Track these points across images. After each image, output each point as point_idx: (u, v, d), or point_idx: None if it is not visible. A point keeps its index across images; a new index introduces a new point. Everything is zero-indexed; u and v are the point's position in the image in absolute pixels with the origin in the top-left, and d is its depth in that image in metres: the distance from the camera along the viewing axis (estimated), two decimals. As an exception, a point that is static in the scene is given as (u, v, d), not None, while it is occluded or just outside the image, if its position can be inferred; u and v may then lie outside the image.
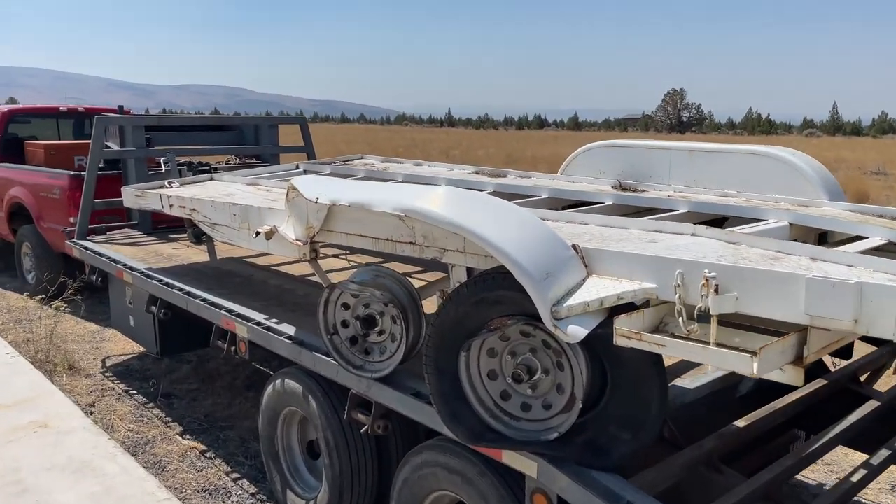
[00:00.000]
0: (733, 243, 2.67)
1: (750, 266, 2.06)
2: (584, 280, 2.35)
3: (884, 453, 3.10)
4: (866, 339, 3.67)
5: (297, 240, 3.31)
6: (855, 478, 2.91)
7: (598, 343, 2.26)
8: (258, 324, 3.88)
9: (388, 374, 3.03)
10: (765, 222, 3.31)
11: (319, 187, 3.02)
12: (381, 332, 3.08)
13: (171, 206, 4.54)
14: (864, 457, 3.14)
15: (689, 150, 4.32)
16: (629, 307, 2.27)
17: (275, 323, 3.87)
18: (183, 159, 6.92)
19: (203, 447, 4.84)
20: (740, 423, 2.88)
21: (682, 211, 3.65)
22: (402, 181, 4.93)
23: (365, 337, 3.12)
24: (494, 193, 4.31)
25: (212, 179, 5.26)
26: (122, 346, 6.67)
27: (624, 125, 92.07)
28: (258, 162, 7.35)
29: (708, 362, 2.02)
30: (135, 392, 5.74)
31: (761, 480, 2.51)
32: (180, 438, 4.96)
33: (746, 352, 1.93)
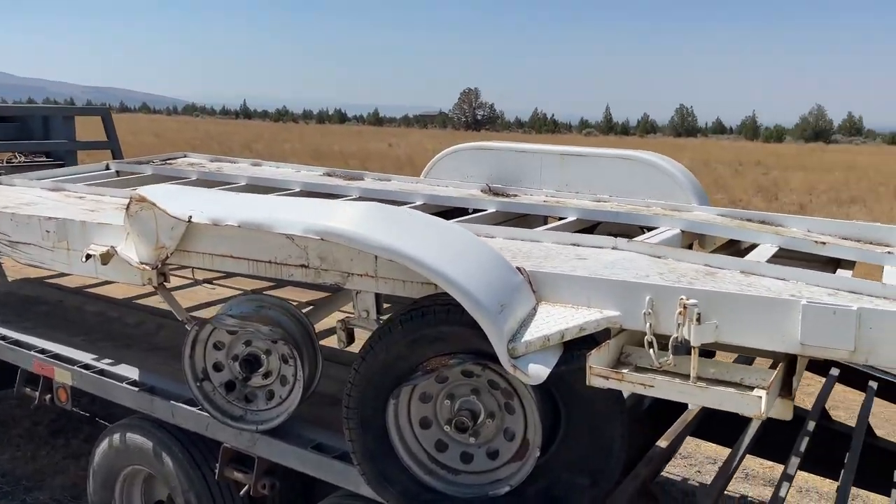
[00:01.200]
0: (659, 257, 2.53)
1: (733, 292, 1.89)
2: (534, 309, 2.05)
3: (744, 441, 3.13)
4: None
5: (142, 263, 2.65)
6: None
7: (553, 380, 1.98)
8: (87, 367, 3.11)
9: (279, 425, 2.52)
10: (659, 231, 3.25)
11: (188, 201, 2.41)
12: (267, 375, 2.55)
13: (-55, 220, 3.52)
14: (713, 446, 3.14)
15: (561, 154, 4.22)
16: (586, 339, 2.01)
17: (109, 364, 3.12)
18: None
19: (3, 518, 3.87)
20: (662, 442, 2.77)
21: (571, 218, 3.51)
22: (247, 184, 4.33)
23: (246, 381, 2.57)
24: (361, 199, 3.90)
25: (-2, 183, 4.23)
26: None
27: (423, 121, 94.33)
28: (50, 160, 6.16)
29: (705, 403, 1.82)
30: None
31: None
32: (-32, 511, 3.93)
33: (747, 388, 1.75)
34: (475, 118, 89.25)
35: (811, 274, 2.26)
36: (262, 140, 37.70)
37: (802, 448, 2.82)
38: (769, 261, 2.75)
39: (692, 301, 1.82)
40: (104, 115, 6.48)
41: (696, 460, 4.67)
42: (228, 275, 4.52)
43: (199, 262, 2.61)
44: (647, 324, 1.92)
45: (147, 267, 2.64)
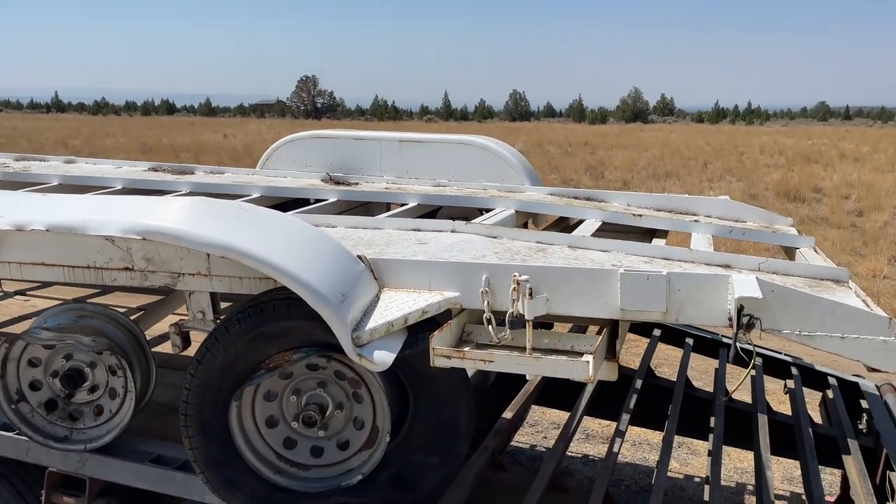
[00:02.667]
0: (494, 237, 2.63)
1: (559, 265, 2.00)
2: (377, 296, 2.06)
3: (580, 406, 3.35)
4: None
5: (-66, 278, 2.35)
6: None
7: (398, 364, 2.00)
8: None
9: (111, 441, 2.34)
10: (495, 212, 3.38)
11: (-18, 205, 2.15)
12: (93, 389, 2.36)
13: None
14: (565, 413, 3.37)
15: (400, 141, 4.25)
16: (429, 321, 2.05)
17: None
18: None
19: None
20: (508, 413, 2.89)
21: (412, 204, 3.55)
22: (59, 184, 3.96)
23: (69, 398, 2.36)
24: (192, 195, 3.70)
25: None
26: None
27: (260, 111, 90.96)
28: None
29: (540, 372, 1.92)
30: None
31: (547, 473, 2.54)
32: None
33: (577, 355, 1.86)
34: (315, 106, 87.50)
35: (629, 244, 2.45)
36: (80, 136, 34.54)
37: (632, 405, 3.06)
38: (594, 235, 2.95)
39: (524, 277, 1.91)
40: None
41: (542, 427, 4.93)
42: (45, 284, 4.13)
43: (5, 272, 2.35)
44: (485, 302, 1.99)
45: (-61, 282, 2.33)
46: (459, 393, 2.11)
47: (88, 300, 3.72)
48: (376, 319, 1.94)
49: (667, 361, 5.10)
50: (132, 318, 2.50)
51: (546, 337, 2.03)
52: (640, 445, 4.72)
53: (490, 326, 1.97)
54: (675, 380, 3.50)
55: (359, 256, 2.09)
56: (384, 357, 1.89)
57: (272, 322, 1.98)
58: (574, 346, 1.97)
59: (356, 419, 2.12)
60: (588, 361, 1.79)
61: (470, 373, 3.00)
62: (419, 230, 2.73)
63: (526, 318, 1.90)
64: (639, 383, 3.27)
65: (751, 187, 16.54)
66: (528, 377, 3.09)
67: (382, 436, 2.05)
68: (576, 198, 3.82)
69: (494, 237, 2.62)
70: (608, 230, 3.22)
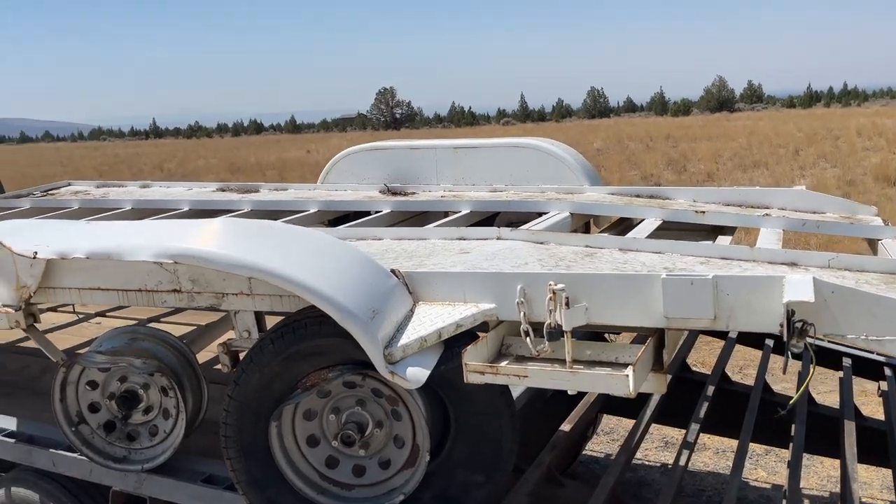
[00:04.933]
0: (541, 243, 2.53)
1: (596, 272, 1.88)
2: (411, 311, 2.00)
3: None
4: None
5: (4, 306, 2.47)
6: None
7: (436, 380, 1.93)
8: (-43, 422, 2.88)
9: (166, 461, 2.39)
10: (548, 216, 3.26)
11: (31, 236, 2.24)
12: (147, 410, 2.42)
13: None
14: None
15: (454, 148, 4.20)
16: (466, 334, 1.98)
17: (-15, 416, 2.90)
18: None
19: None
20: (565, 426, 2.77)
21: (464, 212, 3.49)
22: (132, 209, 4.12)
23: (125, 419, 2.42)
24: (254, 213, 3.77)
25: None
26: None
27: (342, 125, 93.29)
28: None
29: (577, 388, 1.80)
30: None
31: (606, 488, 2.41)
32: None
33: (620, 367, 1.74)
34: (394, 117, 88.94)
35: (685, 245, 2.30)
36: (175, 159, 36.41)
37: (702, 413, 2.88)
38: (651, 235, 2.79)
39: (559, 286, 1.81)
40: (-22, 148, 6.08)
41: (618, 435, 4.74)
42: (120, 307, 4.30)
43: (68, 297, 2.45)
44: (521, 313, 1.90)
45: (10, 309, 2.45)
46: (501, 407, 2.02)
47: (150, 322, 3.86)
48: (409, 335, 1.89)
49: (752, 363, 4.81)
50: (185, 338, 2.55)
51: (589, 348, 1.92)
52: (724, 454, 4.46)
53: (528, 339, 1.87)
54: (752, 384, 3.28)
55: (392, 270, 2.04)
56: (418, 374, 1.84)
57: (306, 340, 1.96)
58: (618, 358, 1.85)
59: (396, 437, 2.07)
60: (628, 375, 1.67)
61: (523, 388, 2.90)
62: (464, 239, 2.66)
63: (563, 328, 1.80)
64: (710, 390, 3.08)
65: (847, 173, 15.49)
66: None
67: (422, 454, 1.99)
68: (637, 196, 3.65)
69: (541, 243, 2.52)
70: (670, 229, 3.05)
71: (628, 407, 3.52)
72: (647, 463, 4.50)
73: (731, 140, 25.43)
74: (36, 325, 2.60)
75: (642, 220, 3.16)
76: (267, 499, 2.06)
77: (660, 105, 73.97)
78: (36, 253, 2.15)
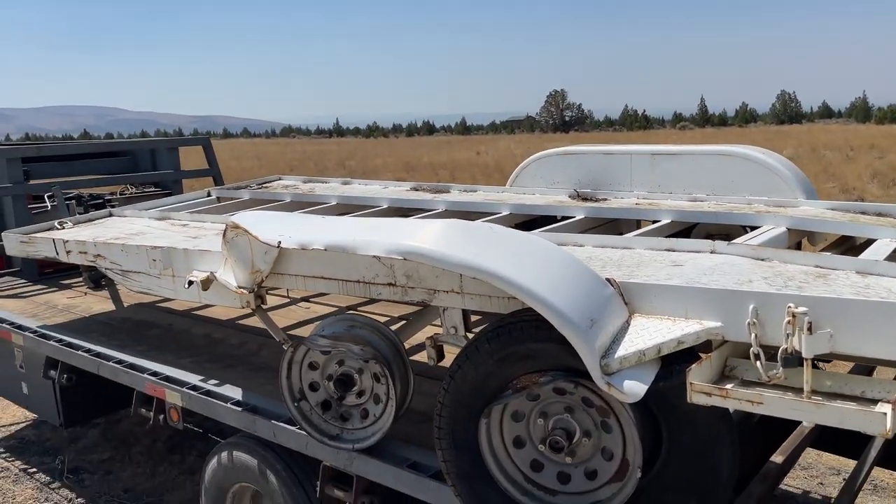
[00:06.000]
0: (763, 259, 2.37)
1: (848, 297, 1.73)
2: (627, 323, 1.96)
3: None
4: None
5: (240, 287, 2.74)
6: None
7: (651, 396, 1.88)
8: (195, 388, 3.25)
9: (375, 443, 2.53)
10: (762, 230, 3.06)
11: (276, 226, 2.48)
12: (360, 394, 2.58)
13: (68, 252, 3.79)
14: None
15: (652, 154, 4.06)
16: (685, 352, 1.90)
17: (215, 385, 3.25)
18: (69, 192, 6.02)
19: (127, 532, 4.11)
20: (778, 457, 2.59)
21: (665, 221, 3.36)
22: (337, 204, 4.42)
23: (340, 400, 2.60)
24: (448, 213, 3.89)
25: (110, 215, 4.52)
26: (11, 414, 5.71)
27: (511, 127, 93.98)
28: (158, 190, 6.55)
29: (821, 421, 1.67)
30: (35, 470, 4.86)
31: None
32: (97, 524, 4.19)
33: (868, 402, 1.59)
34: (563, 120, 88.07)
35: (938, 270, 2.05)
36: (355, 157, 38.70)
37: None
38: (889, 258, 2.53)
39: (801, 309, 1.68)
40: (205, 144, 6.82)
41: (818, 471, 4.35)
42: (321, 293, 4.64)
43: (293, 283, 2.68)
44: (753, 335, 1.79)
45: (244, 291, 2.73)
46: (722, 432, 1.93)
47: (358, 310, 4.12)
48: (627, 347, 1.85)
49: None
50: (394, 328, 2.69)
51: (829, 379, 1.77)
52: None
53: (759, 363, 1.77)
54: None
55: (608, 279, 2.02)
56: (635, 388, 1.80)
57: (520, 343, 1.99)
58: (865, 392, 1.69)
59: (604, 449, 2.04)
60: (886, 413, 1.52)
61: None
62: (673, 250, 2.57)
63: (804, 355, 1.67)
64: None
65: None
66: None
67: (633, 470, 1.95)
68: (864, 213, 3.32)
69: (762, 259, 2.37)
70: (904, 253, 2.74)
71: (841, 445, 3.23)
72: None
73: (952, 152, 22.43)
74: (263, 306, 2.88)
75: (872, 240, 2.87)
76: (474, 493, 2.12)
77: (862, 111, 66.91)
78: (280, 242, 2.37)
